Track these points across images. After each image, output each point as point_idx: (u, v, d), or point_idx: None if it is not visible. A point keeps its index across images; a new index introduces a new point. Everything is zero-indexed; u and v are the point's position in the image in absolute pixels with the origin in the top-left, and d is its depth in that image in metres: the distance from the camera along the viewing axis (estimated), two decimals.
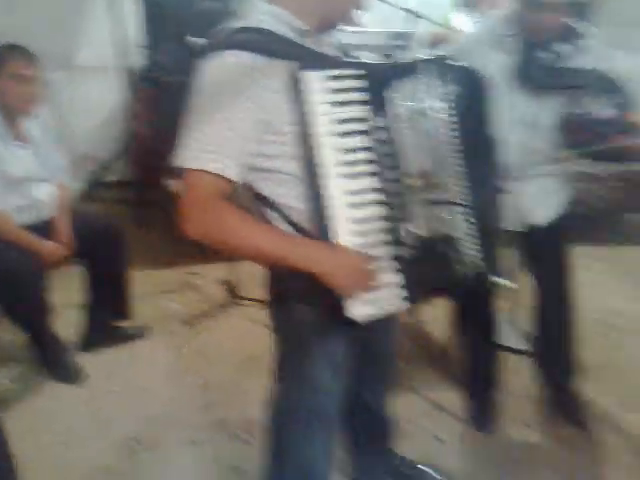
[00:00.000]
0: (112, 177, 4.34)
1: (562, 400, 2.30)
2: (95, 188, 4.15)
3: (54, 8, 4.10)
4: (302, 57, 1.16)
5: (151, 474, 2.08)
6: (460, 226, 1.29)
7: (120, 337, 2.79)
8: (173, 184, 3.50)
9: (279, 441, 1.45)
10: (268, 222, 1.25)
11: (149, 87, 3.94)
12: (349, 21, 1.28)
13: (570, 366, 2.27)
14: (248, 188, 1.25)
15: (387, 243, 1.22)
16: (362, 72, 1.19)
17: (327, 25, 1.28)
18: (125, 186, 4.28)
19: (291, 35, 1.20)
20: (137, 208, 4.07)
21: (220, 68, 1.14)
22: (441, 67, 1.27)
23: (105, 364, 2.63)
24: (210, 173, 1.14)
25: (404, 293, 1.24)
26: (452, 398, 2.40)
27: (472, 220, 1.30)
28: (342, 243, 1.18)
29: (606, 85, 1.82)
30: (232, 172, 1.15)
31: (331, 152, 1.16)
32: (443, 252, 1.27)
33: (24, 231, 2.39)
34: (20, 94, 2.35)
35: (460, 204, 1.28)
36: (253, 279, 3.31)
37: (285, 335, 1.40)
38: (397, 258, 1.23)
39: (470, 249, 1.30)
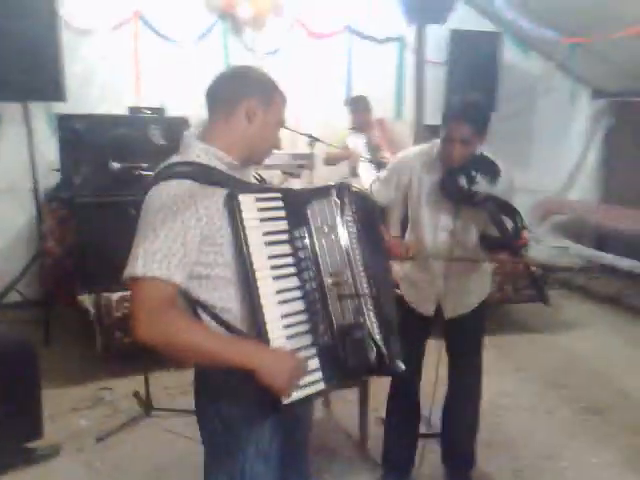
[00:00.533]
0: (17, 297, 4.30)
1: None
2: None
3: None
4: (231, 185, 1.43)
5: None
6: (366, 314, 1.56)
7: (32, 458, 2.72)
8: (85, 300, 3.62)
9: None
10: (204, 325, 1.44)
11: (61, 207, 4.11)
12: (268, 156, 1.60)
13: (471, 457, 2.60)
14: (185, 294, 1.43)
15: (309, 332, 1.46)
16: (280, 195, 1.48)
17: (252, 161, 1.58)
18: (30, 305, 4.27)
19: (223, 167, 1.48)
20: (44, 327, 4.05)
21: (166, 192, 1.38)
22: (345, 191, 1.61)
23: None
24: (158, 279, 1.33)
25: (324, 375, 1.46)
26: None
27: (375, 307, 1.58)
28: (275, 340, 1.39)
29: (505, 209, 2.20)
30: (178, 278, 1.35)
31: (259, 258, 1.41)
32: (356, 338, 1.52)
33: None
34: None
35: (365, 295, 1.56)
36: (163, 390, 3.42)
37: (214, 427, 1.51)
38: (317, 345, 1.47)
39: (376, 333, 1.56)
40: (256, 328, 1.40)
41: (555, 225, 6.07)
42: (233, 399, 1.47)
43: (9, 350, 2.67)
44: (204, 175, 1.42)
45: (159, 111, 4.09)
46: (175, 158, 1.49)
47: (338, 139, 4.62)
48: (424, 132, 3.13)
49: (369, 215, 1.69)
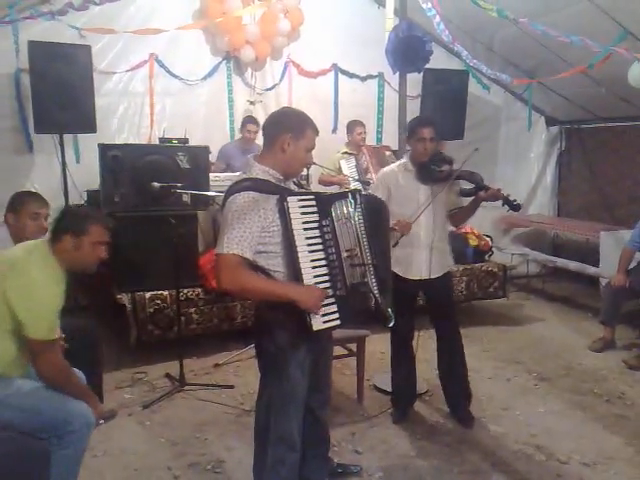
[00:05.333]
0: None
1: (458, 412, 3.52)
2: None
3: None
4: (280, 191, 2.20)
5: None
6: (369, 276, 2.34)
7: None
8: (122, 298, 4.29)
9: (266, 420, 2.29)
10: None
11: None
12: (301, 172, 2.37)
13: (466, 391, 3.52)
14: (252, 264, 2.19)
15: (330, 287, 2.22)
16: (313, 197, 2.26)
17: (290, 176, 2.35)
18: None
19: (274, 181, 2.24)
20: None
21: (239, 200, 2.14)
22: (357, 195, 2.40)
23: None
24: (235, 254, 2.10)
25: (339, 316, 2.23)
26: (365, 427, 3.33)
27: (376, 272, 2.36)
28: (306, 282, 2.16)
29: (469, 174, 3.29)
30: (247, 254, 2.12)
31: (300, 238, 2.17)
32: (361, 291, 2.30)
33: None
34: (35, 228, 3.00)
35: (369, 264, 2.34)
36: (190, 372, 4.10)
37: (268, 349, 2.27)
38: (337, 296, 2.23)
39: (375, 289, 2.34)
40: (296, 281, 2.17)
41: (516, 236, 6.94)
42: (282, 329, 2.23)
43: (77, 329, 3.29)
44: (262, 187, 2.19)
45: (184, 141, 4.81)
46: (242, 175, 2.26)
47: (329, 162, 5.39)
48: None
49: (375, 210, 2.47)
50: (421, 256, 3.31)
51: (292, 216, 2.16)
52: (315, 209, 2.24)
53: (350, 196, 2.38)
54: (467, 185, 3.40)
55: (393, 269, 3.27)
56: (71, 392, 2.41)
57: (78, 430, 2.34)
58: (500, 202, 3.32)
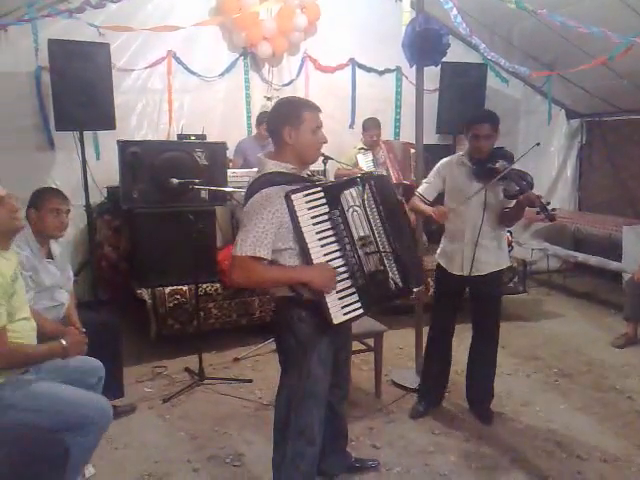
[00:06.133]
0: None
1: (478, 409, 3.49)
2: None
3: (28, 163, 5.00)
4: (295, 182, 2.19)
5: None
6: (387, 263, 2.32)
7: (115, 412, 3.34)
8: (142, 293, 4.33)
9: (286, 414, 2.30)
10: None
11: (115, 218, 4.85)
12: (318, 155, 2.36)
13: (489, 392, 3.47)
14: (272, 262, 2.19)
15: (348, 278, 2.22)
16: (321, 188, 2.24)
17: (308, 162, 2.34)
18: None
19: (287, 171, 2.24)
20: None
21: (254, 200, 2.16)
22: (366, 179, 2.37)
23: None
24: (248, 255, 2.11)
25: (362, 304, 2.23)
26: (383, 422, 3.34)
27: (395, 256, 2.34)
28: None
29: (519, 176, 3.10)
30: (262, 253, 2.12)
31: (310, 234, 2.16)
32: (380, 279, 2.29)
33: (57, 323, 2.97)
34: (56, 224, 3.09)
35: (385, 251, 2.32)
36: (209, 367, 4.12)
37: (288, 343, 2.28)
38: (355, 286, 2.22)
39: (394, 274, 2.33)
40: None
41: (536, 230, 6.87)
42: (302, 323, 2.23)
43: (99, 324, 3.33)
44: (277, 178, 2.20)
45: (202, 137, 4.83)
46: (256, 175, 2.28)
47: (346, 157, 5.39)
48: (422, 151, 3.89)
49: (384, 190, 2.43)
50: (464, 252, 3.26)
51: (299, 213, 2.15)
52: (324, 200, 2.23)
53: (359, 182, 2.35)
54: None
55: (439, 260, 3.40)
56: (34, 362, 2.46)
57: (98, 422, 2.39)
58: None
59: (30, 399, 2.35)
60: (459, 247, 3.28)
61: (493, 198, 3.21)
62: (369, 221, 2.33)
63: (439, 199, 3.43)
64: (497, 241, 3.31)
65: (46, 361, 2.51)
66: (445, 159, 3.42)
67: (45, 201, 3.10)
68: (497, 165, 3.13)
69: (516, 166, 3.12)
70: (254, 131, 5.86)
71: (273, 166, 2.26)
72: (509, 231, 5.62)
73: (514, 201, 3.19)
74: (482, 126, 3.14)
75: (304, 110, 2.27)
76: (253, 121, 5.88)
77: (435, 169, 3.42)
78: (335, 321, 2.17)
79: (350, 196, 2.31)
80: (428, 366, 3.55)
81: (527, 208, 3.15)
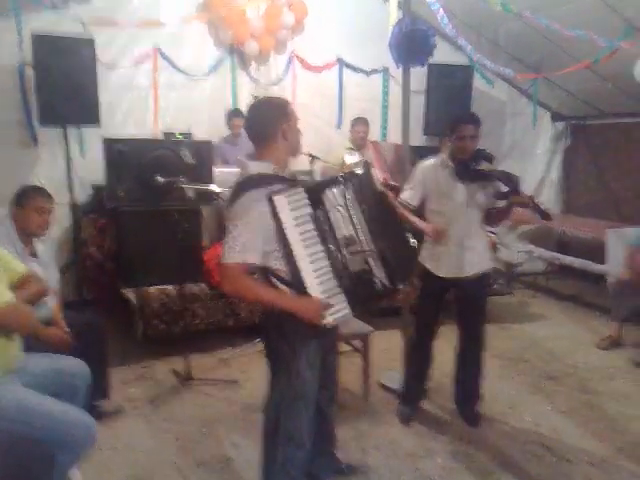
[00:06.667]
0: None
1: (466, 411, 3.48)
2: None
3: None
4: (277, 183, 2.16)
5: None
6: (372, 262, 2.29)
7: (101, 414, 3.32)
8: (127, 293, 4.28)
9: (275, 419, 2.27)
10: (270, 283, 2.19)
11: (100, 218, 4.78)
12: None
13: (477, 393, 3.45)
14: (260, 266, 2.17)
15: (334, 278, 2.19)
16: (303, 188, 2.20)
17: (295, 154, 2.34)
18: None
19: (270, 172, 2.21)
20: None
21: (239, 204, 2.12)
22: (348, 178, 2.33)
23: None
24: (235, 262, 2.08)
25: (349, 305, 2.21)
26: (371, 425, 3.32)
27: (380, 255, 2.30)
28: (310, 286, 2.12)
29: (506, 177, 3.13)
30: (250, 259, 2.09)
31: (293, 236, 2.13)
32: (365, 278, 2.26)
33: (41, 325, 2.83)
34: (39, 223, 3.04)
35: (370, 250, 2.29)
36: (197, 367, 4.08)
37: (277, 346, 2.26)
38: (341, 286, 2.20)
39: (380, 273, 2.29)
40: (297, 279, 2.15)
41: (522, 233, 6.89)
42: (292, 326, 2.20)
43: (83, 324, 3.26)
44: (260, 179, 2.16)
45: (188, 135, 4.78)
46: (238, 178, 2.24)
47: (333, 157, 5.37)
48: (409, 152, 3.88)
49: (371, 191, 2.41)
50: (451, 254, 3.25)
51: (281, 214, 2.12)
52: (306, 201, 2.20)
53: (342, 181, 2.31)
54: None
55: (424, 264, 3.37)
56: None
57: (83, 444, 2.36)
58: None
59: (22, 412, 2.30)
60: (445, 249, 3.27)
61: (478, 199, 3.22)
62: (352, 221, 2.30)
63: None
64: (482, 242, 3.33)
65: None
66: (425, 163, 3.39)
67: (30, 199, 3.05)
68: (481, 166, 3.15)
69: (500, 168, 3.16)
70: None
71: (255, 167, 2.23)
72: (493, 233, 5.65)
73: (503, 201, 3.21)
74: (467, 127, 3.16)
75: (287, 106, 2.31)
76: None
77: (416, 173, 3.39)
78: (322, 322, 2.14)
79: (333, 196, 2.28)
80: (410, 366, 3.55)
81: (513, 210, 3.21)
